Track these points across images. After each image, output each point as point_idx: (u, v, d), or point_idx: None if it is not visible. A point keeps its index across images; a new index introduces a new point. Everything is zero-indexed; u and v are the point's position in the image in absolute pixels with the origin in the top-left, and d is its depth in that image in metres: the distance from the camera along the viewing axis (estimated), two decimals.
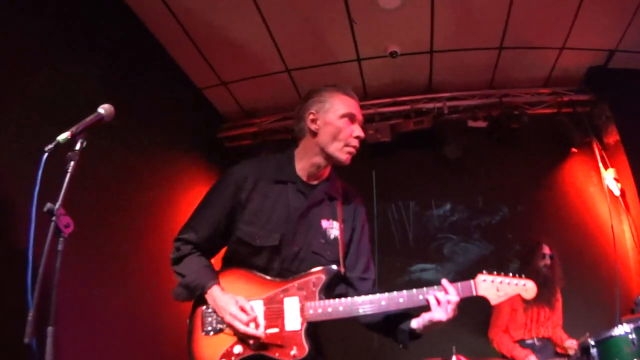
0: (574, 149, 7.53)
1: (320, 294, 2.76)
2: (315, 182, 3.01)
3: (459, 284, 2.69)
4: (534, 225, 7.27)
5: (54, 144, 2.36)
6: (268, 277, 2.86)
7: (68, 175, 2.40)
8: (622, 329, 4.04)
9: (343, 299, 2.73)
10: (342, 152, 2.91)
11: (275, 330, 2.74)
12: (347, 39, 6.63)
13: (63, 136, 2.39)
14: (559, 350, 5.56)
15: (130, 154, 5.57)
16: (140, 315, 5.08)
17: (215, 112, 7.95)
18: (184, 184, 6.44)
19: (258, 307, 2.79)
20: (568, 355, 5.38)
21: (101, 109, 2.58)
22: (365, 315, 2.76)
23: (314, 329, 2.77)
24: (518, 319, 5.73)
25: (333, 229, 2.98)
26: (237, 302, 2.73)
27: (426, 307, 2.67)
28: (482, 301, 5.47)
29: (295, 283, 2.81)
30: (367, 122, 7.57)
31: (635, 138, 6.85)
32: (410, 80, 7.57)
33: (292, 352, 2.68)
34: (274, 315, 2.77)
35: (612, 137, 7.24)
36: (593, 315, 6.36)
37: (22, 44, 4.19)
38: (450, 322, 2.63)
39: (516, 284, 2.72)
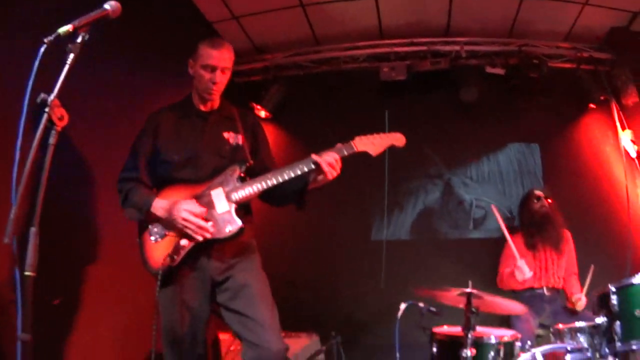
0: (592, 105, 7.37)
1: (237, 182, 3.51)
2: (210, 109, 3.78)
3: (342, 146, 3.53)
4: (547, 177, 7.25)
5: (53, 35, 2.32)
6: (193, 184, 3.54)
7: (66, 67, 2.36)
8: None
9: (255, 179, 3.51)
10: (205, 93, 3.67)
11: (210, 216, 3.42)
12: None
13: (64, 28, 2.36)
14: (568, 304, 5.49)
15: (139, 87, 5.51)
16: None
17: None
18: None
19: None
20: (576, 311, 5.34)
21: (107, 5, 2.54)
22: (276, 192, 3.58)
23: (241, 211, 3.50)
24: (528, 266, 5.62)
25: (235, 138, 3.72)
26: (184, 203, 3.39)
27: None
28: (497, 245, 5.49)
29: (216, 180, 3.53)
30: (382, 60, 7.53)
31: None
32: (428, 22, 7.32)
33: (228, 229, 3.40)
34: (206, 206, 3.44)
35: (631, 98, 7.06)
36: (602, 274, 6.28)
37: None
38: None
39: (387, 136, 3.63)
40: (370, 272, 7.07)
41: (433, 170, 7.55)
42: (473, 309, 3.95)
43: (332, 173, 3.44)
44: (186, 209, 3.34)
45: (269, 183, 3.48)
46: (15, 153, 2.21)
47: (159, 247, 3.44)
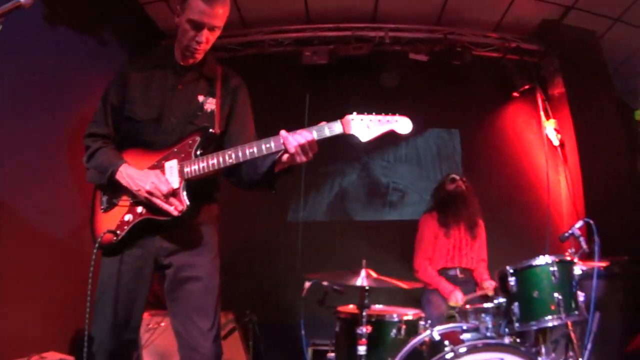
0: (515, 94, 7.56)
1: (195, 153, 3.02)
2: (189, 64, 3.25)
3: (326, 124, 2.86)
4: (466, 162, 7.42)
5: None
6: (152, 150, 3.12)
7: None
8: (543, 260, 3.90)
9: (215, 153, 2.98)
10: (186, 51, 3.17)
11: None
12: None
13: None
14: (478, 290, 5.49)
15: (65, 68, 5.44)
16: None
17: (155, 28, 7.62)
18: None
19: None
20: (487, 296, 5.38)
21: None
22: (244, 173, 3.15)
23: (197, 187, 3.04)
24: (439, 244, 5.72)
25: (209, 103, 3.24)
26: (152, 175, 2.98)
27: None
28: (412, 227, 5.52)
29: (175, 148, 3.07)
30: (305, 44, 7.53)
31: (580, 93, 6.99)
32: (355, 8, 7.38)
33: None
34: None
35: (557, 89, 7.34)
36: (521, 257, 6.44)
37: None
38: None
39: (388, 120, 2.88)
40: (287, 252, 7.13)
41: (350, 152, 7.60)
42: (366, 287, 4.01)
43: (300, 157, 2.82)
44: (153, 182, 2.91)
45: (227, 160, 2.93)
46: None
47: (106, 218, 3.07)
